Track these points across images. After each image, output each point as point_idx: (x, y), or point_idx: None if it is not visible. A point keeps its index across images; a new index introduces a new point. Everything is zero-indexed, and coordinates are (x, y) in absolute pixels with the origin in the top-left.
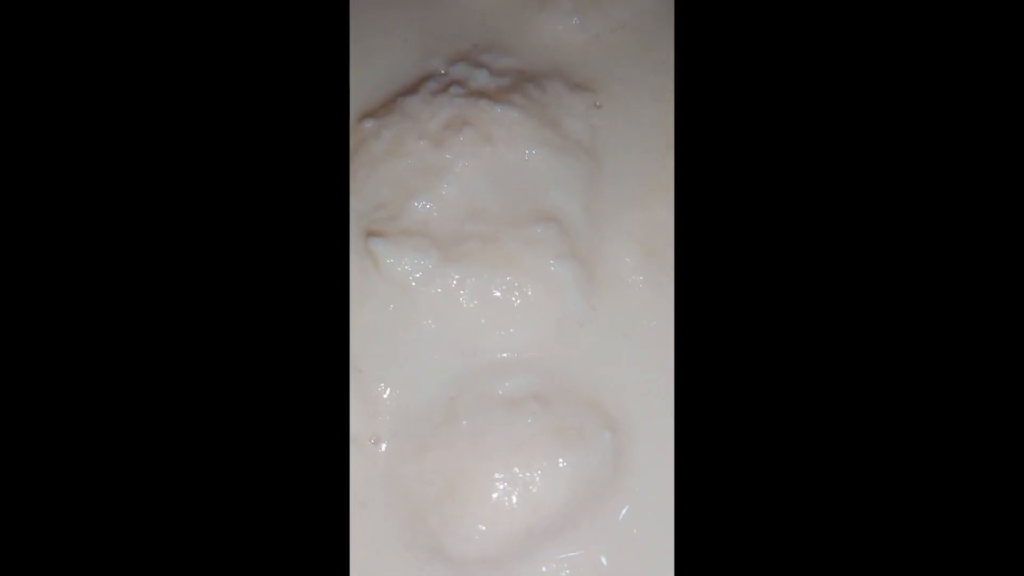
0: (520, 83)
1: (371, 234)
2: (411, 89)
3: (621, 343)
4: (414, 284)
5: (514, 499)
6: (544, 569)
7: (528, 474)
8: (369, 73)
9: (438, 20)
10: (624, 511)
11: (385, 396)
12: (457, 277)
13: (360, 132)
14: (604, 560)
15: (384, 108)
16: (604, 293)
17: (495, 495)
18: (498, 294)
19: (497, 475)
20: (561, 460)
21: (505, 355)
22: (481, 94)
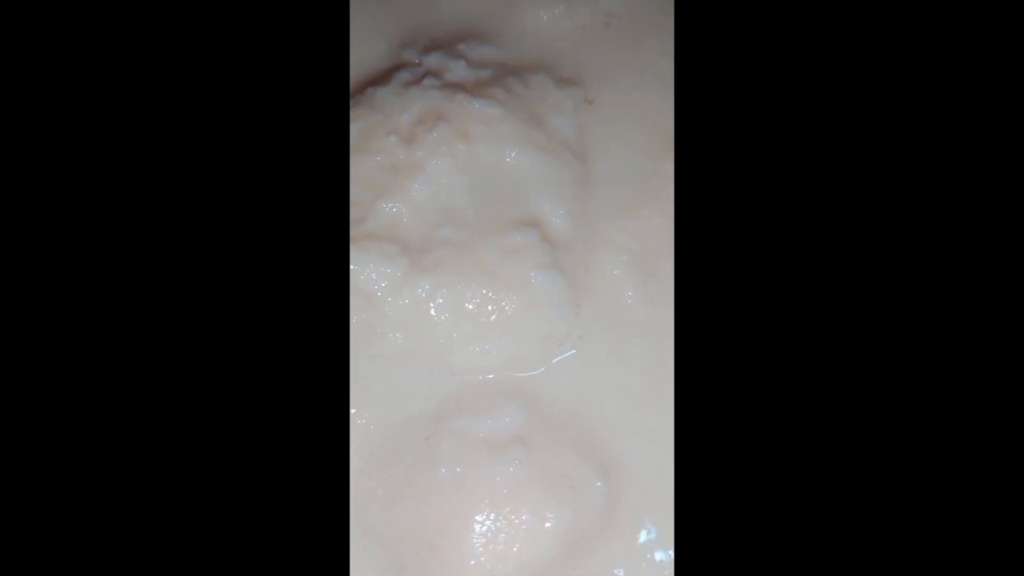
0: (501, 76)
1: None
2: (381, 79)
3: (610, 366)
4: (380, 294)
5: (496, 559)
6: None
7: (512, 531)
8: None
9: (412, 5)
10: (617, 566)
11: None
12: (428, 288)
13: None
14: None
15: (351, 99)
16: (590, 309)
17: (476, 553)
18: (472, 307)
19: (478, 530)
20: (548, 513)
21: (480, 377)
22: (458, 87)
